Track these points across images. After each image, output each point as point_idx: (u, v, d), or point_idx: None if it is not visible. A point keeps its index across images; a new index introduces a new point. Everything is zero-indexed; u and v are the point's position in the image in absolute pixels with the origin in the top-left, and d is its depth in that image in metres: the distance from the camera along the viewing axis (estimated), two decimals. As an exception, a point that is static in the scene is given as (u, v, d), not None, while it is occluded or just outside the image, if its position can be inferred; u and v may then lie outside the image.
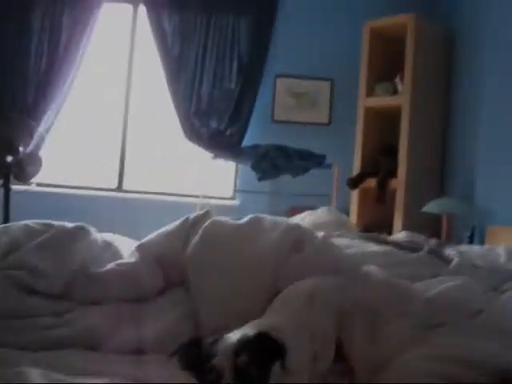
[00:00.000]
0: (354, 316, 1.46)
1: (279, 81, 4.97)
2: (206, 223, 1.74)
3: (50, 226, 1.84)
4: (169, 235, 1.80)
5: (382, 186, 4.24)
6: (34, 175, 4.41)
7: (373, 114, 4.53)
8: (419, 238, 2.27)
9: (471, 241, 3.73)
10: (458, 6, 4.55)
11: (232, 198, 5.02)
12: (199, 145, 4.79)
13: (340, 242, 2.07)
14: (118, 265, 1.71)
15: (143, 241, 1.82)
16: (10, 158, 4.19)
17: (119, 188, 5.08)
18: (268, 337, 1.13)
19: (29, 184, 4.60)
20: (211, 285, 1.61)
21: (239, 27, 4.91)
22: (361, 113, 4.55)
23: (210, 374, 1.04)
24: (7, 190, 4.22)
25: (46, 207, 4.50)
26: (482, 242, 3.63)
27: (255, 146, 4.45)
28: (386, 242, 2.08)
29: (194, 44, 4.86)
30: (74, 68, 4.83)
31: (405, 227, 4.16)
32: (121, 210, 4.77)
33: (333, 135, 4.87)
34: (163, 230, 1.84)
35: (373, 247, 2.01)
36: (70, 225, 1.87)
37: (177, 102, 4.81)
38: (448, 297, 1.62)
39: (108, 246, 1.91)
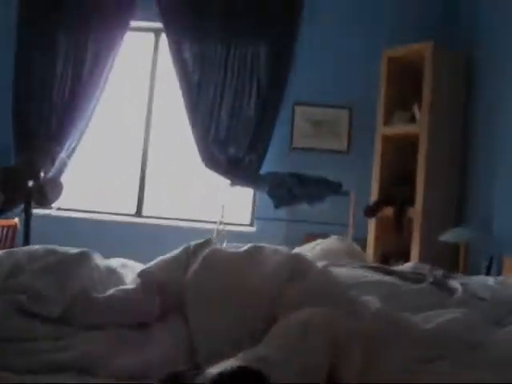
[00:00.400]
0: (349, 346, 1.45)
1: (298, 108, 4.99)
2: (207, 251, 1.76)
3: (53, 251, 1.88)
4: (170, 262, 1.83)
5: (399, 215, 4.22)
6: (54, 200, 4.48)
7: (390, 142, 4.53)
8: (425, 268, 2.25)
9: (488, 271, 3.67)
10: (476, 33, 4.55)
11: (250, 225, 5.03)
12: (217, 172, 4.83)
13: (342, 272, 2.06)
14: (119, 291, 1.73)
15: (145, 267, 1.84)
16: (30, 183, 4.27)
17: (138, 213, 5.14)
18: (251, 370, 1.13)
19: (49, 208, 4.68)
20: (208, 312, 1.62)
21: (258, 55, 4.97)
22: (378, 141, 4.55)
23: None
24: (28, 215, 4.29)
25: (66, 231, 4.59)
26: (499, 273, 3.57)
27: (272, 174, 4.47)
28: (391, 273, 2.07)
29: (213, 72, 4.93)
30: (97, 94, 4.94)
31: (422, 256, 4.12)
32: (139, 235, 4.83)
33: (351, 163, 4.87)
34: (165, 256, 1.87)
35: (375, 277, 2.00)
36: (73, 250, 1.91)
37: (195, 129, 4.87)
38: (447, 329, 1.60)
39: (111, 272, 1.94)
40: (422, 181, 4.24)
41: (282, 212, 4.71)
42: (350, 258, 2.58)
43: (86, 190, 5.22)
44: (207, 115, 4.88)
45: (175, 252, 1.86)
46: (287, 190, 4.19)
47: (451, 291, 1.94)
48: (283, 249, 1.85)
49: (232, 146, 4.88)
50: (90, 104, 4.94)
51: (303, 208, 4.58)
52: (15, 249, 1.89)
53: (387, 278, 1.99)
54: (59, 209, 4.80)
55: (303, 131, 4.99)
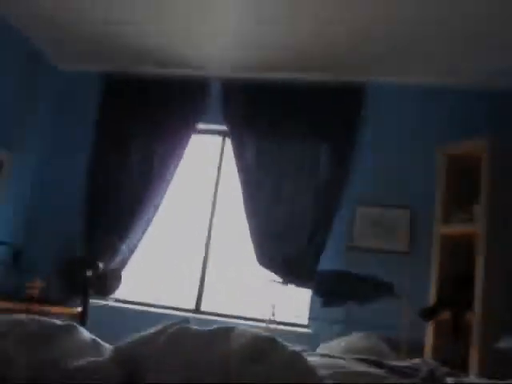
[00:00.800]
0: None
1: (357, 208, 4.96)
2: (173, 329, 1.76)
3: (37, 319, 1.95)
4: (143, 339, 1.84)
5: (457, 321, 3.97)
6: (113, 291, 4.64)
7: (449, 242, 4.36)
8: (430, 364, 2.10)
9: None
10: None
11: (306, 326, 4.90)
12: (271, 270, 4.82)
13: (326, 361, 1.98)
14: (89, 362, 1.76)
15: (121, 343, 1.86)
16: (89, 273, 4.47)
17: (197, 309, 5.17)
18: None
19: (107, 299, 4.83)
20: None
21: (318, 157, 5.06)
22: (437, 240, 4.39)
23: None
24: (85, 304, 4.46)
25: (122, 323, 4.68)
26: None
27: (319, 272, 4.40)
28: (381, 366, 1.95)
29: (272, 171, 5.06)
30: (162, 193, 5.20)
31: (481, 363, 3.82)
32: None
33: (410, 263, 4.70)
34: (141, 334, 1.89)
35: (360, 369, 1.89)
36: (57, 322, 1.97)
37: (253, 227, 4.94)
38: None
39: (96, 345, 1.97)
40: (481, 284, 4.00)
41: (339, 312, 4.57)
42: (371, 354, 2.47)
43: (146, 282, 5.35)
44: (264, 213, 4.95)
45: (151, 330, 1.87)
46: (332, 289, 4.08)
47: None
48: (257, 331, 1.81)
49: (288, 245, 4.88)
50: (156, 202, 5.18)
51: (361, 309, 4.42)
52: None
53: (373, 371, 1.88)
54: (117, 300, 4.94)
55: (362, 230, 4.92)
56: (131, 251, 5.08)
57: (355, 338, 2.81)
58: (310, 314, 4.85)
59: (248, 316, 5.02)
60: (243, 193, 5.06)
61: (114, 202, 5.17)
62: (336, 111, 5.08)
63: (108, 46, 5.19)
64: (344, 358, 2.02)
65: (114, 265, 4.87)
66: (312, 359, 2.02)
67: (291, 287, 4.76)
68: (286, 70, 5.19)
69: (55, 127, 5.65)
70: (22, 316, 1.94)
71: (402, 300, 4.17)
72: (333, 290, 4.10)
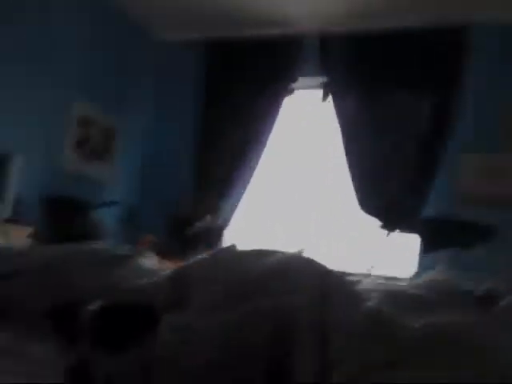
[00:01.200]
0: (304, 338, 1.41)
1: (464, 156, 4.73)
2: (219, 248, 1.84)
3: (100, 249, 2.11)
4: (195, 261, 1.92)
5: None
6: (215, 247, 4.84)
7: None
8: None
9: None
10: None
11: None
12: (374, 215, 4.77)
13: (380, 285, 1.96)
14: (143, 283, 1.87)
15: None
16: (193, 230, 4.69)
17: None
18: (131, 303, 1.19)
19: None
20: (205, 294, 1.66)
21: (420, 108, 4.89)
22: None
23: (75, 334, 1.11)
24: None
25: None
26: None
27: (421, 218, 4.28)
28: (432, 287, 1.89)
29: (374, 123, 4.97)
30: (262, 150, 5.30)
31: None
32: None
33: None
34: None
35: (410, 291, 1.85)
36: (120, 250, 2.12)
37: (355, 175, 4.92)
38: (436, 330, 1.44)
39: (156, 271, 2.09)
40: None
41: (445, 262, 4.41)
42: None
43: (248, 241, 5.47)
44: (366, 162, 4.90)
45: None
46: (438, 235, 3.95)
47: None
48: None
49: (391, 192, 4.79)
50: (256, 162, 5.30)
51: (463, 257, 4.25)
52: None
53: (419, 292, 1.83)
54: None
55: (470, 179, 4.69)
56: (233, 210, 5.24)
57: (438, 271, 2.71)
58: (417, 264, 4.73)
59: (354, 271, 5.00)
60: (345, 144, 5.03)
61: (216, 164, 5.35)
62: (438, 59, 4.87)
63: (203, 13, 5.31)
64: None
65: (217, 223, 5.06)
66: (367, 285, 2.01)
67: (395, 236, 4.67)
68: (381, 17, 5.02)
69: (159, 96, 5.92)
70: (87, 243, 2.11)
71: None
72: (437, 236, 3.97)
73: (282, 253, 1.77)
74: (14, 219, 4.04)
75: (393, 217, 4.68)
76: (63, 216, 4.26)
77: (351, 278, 1.84)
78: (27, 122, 4.52)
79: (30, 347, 1.50)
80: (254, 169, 5.31)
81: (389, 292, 1.83)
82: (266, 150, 5.33)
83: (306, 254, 1.88)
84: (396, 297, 1.80)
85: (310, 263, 1.75)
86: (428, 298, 1.78)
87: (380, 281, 2.11)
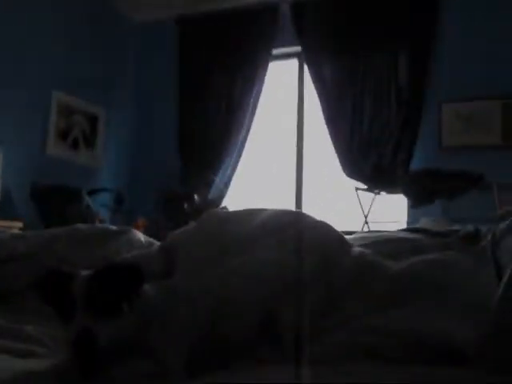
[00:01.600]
0: (299, 290, 1.44)
1: (444, 106, 4.76)
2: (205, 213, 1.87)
3: (94, 227, 2.13)
4: (183, 228, 1.96)
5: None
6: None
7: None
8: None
9: None
10: None
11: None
12: (361, 180, 4.80)
13: (367, 234, 2.00)
14: (132, 255, 1.91)
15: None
16: (185, 205, 4.71)
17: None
18: (123, 265, 1.22)
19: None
20: (191, 257, 1.70)
21: (396, 63, 4.90)
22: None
23: (67, 303, 1.13)
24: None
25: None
26: None
27: (406, 173, 4.31)
28: (426, 232, 1.93)
29: (352, 85, 4.97)
30: (247, 123, 5.31)
31: None
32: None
33: (503, 158, 4.47)
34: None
35: (396, 235, 1.89)
36: (112, 226, 2.15)
37: (338, 141, 4.93)
38: (418, 271, 1.49)
39: (150, 244, 2.13)
40: None
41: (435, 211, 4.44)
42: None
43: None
44: (348, 126, 4.91)
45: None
46: (422, 188, 3.99)
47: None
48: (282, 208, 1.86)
49: (375, 153, 4.81)
50: (241, 134, 5.30)
51: (456, 207, 4.29)
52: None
53: (408, 235, 1.87)
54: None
55: (452, 128, 4.73)
56: (226, 184, 5.26)
57: (423, 223, 2.76)
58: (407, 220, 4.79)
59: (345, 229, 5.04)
60: (324, 111, 5.03)
61: (203, 139, 5.36)
62: (412, 11, 4.86)
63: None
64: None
65: (210, 197, 5.08)
66: (356, 235, 2.05)
67: (383, 195, 4.71)
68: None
69: (142, 79, 5.92)
70: (80, 224, 2.14)
71: (493, 190, 3.99)
72: (422, 189, 3.99)
73: (271, 209, 1.79)
74: (2, 216, 4.05)
75: (378, 178, 4.70)
76: (53, 205, 4.27)
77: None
78: (8, 113, 4.51)
79: (27, 326, 1.53)
80: (242, 140, 5.31)
81: (376, 238, 1.87)
82: (247, 121, 5.32)
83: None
84: (384, 242, 1.85)
85: (300, 216, 1.79)
86: (415, 240, 1.83)
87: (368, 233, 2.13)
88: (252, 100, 5.32)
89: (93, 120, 5.42)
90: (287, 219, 1.75)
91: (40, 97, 4.87)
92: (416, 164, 4.71)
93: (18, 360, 1.23)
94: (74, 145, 5.23)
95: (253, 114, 5.34)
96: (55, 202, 4.31)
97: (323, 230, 1.73)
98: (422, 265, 1.50)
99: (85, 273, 1.17)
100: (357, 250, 1.65)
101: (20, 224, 4.03)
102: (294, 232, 1.69)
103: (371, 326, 1.34)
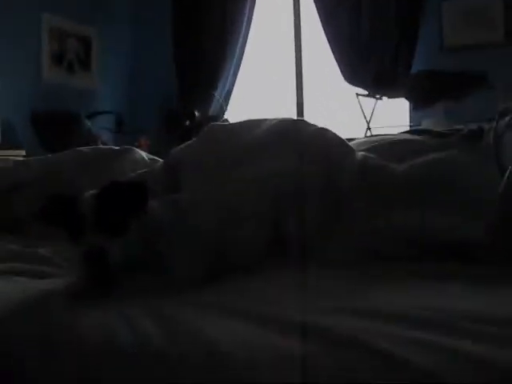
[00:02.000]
0: (304, 199, 1.45)
1: (444, 4, 4.61)
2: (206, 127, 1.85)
3: (97, 148, 2.13)
4: (186, 144, 1.94)
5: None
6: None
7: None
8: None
9: None
10: None
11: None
12: (361, 86, 4.72)
13: (371, 138, 1.99)
14: (137, 174, 1.91)
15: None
16: (187, 122, 4.68)
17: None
18: (127, 183, 1.22)
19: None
20: (195, 171, 1.70)
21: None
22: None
23: (75, 223, 1.14)
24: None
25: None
26: None
27: (406, 76, 4.23)
28: (420, 133, 1.91)
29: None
30: (243, 31, 5.18)
31: None
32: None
33: (506, 55, 4.36)
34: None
35: (398, 137, 1.88)
36: (115, 147, 2.14)
37: (336, 45, 4.81)
38: (421, 171, 1.49)
39: (154, 162, 2.12)
40: None
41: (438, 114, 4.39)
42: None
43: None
44: (346, 29, 4.77)
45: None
46: (424, 90, 3.92)
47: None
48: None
49: (375, 57, 4.71)
50: (238, 44, 5.18)
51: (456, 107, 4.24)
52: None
53: (411, 137, 1.86)
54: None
55: (453, 28, 4.60)
56: (225, 98, 5.20)
57: (425, 125, 2.74)
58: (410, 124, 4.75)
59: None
60: (321, 13, 4.89)
61: (200, 54, 5.25)
62: None
63: None
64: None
65: (210, 113, 5.03)
66: (358, 140, 2.04)
67: (384, 100, 4.65)
68: None
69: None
70: (82, 147, 2.13)
71: (497, 89, 3.92)
72: (424, 91, 3.93)
73: (273, 119, 1.78)
74: (5, 145, 4.04)
75: (379, 82, 4.61)
76: (54, 131, 4.25)
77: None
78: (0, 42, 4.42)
79: (40, 248, 1.56)
80: (236, 52, 5.20)
81: (378, 142, 1.86)
82: (244, 30, 5.19)
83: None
84: (386, 145, 1.84)
85: (302, 123, 1.77)
86: (417, 142, 1.82)
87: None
88: (247, 7, 5.16)
89: (86, 42, 5.29)
90: (289, 128, 1.74)
91: (29, 21, 4.73)
92: (417, 66, 4.62)
93: (31, 281, 1.26)
94: (70, 68, 5.14)
95: (249, 22, 5.20)
96: (56, 127, 4.29)
97: (325, 137, 1.72)
98: (426, 164, 1.50)
99: (89, 193, 1.17)
100: (360, 154, 1.65)
101: (23, 152, 4.03)
102: (297, 140, 1.69)
103: (378, 228, 1.35)
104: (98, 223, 1.10)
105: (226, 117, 5.06)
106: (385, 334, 0.78)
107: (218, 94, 5.11)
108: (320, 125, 1.78)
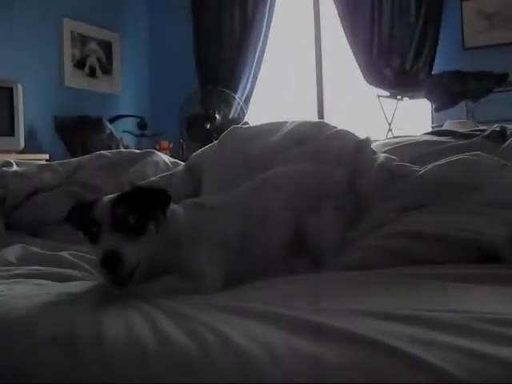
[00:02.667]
0: (319, 201, 1.44)
1: (465, 4, 4.57)
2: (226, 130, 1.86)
3: (119, 152, 2.15)
4: (207, 146, 1.96)
5: None
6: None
7: None
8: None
9: None
10: None
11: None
12: (382, 87, 4.70)
13: (393, 140, 1.99)
14: (159, 177, 1.93)
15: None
16: (208, 125, 4.70)
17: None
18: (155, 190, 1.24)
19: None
20: (215, 175, 1.71)
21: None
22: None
23: (92, 227, 1.16)
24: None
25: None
26: None
27: (428, 76, 4.20)
28: (443, 134, 1.90)
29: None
30: (263, 34, 5.18)
31: None
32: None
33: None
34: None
35: (421, 138, 1.87)
36: (136, 150, 2.16)
37: (357, 47, 4.79)
38: (439, 173, 1.48)
39: (175, 165, 2.14)
40: None
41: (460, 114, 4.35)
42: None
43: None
44: (367, 31, 4.76)
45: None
46: (446, 90, 3.90)
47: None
48: (304, 120, 1.84)
49: (397, 57, 4.68)
50: (258, 47, 5.19)
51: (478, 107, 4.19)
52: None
53: (435, 138, 1.85)
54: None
55: (475, 27, 4.56)
56: (246, 100, 5.21)
57: (448, 126, 2.72)
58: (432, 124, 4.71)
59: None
60: (341, 15, 4.88)
61: (220, 56, 5.28)
62: None
63: None
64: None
65: (231, 116, 5.04)
66: (379, 142, 2.03)
67: (405, 101, 4.62)
68: None
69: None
70: (105, 151, 2.16)
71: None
72: (445, 92, 3.90)
73: (293, 121, 1.78)
74: (28, 150, 4.10)
75: (400, 83, 4.59)
76: (77, 136, 4.30)
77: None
78: (22, 48, 4.48)
79: (62, 252, 1.58)
80: (256, 55, 5.21)
81: (400, 143, 1.86)
82: (263, 32, 5.20)
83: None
84: (407, 146, 1.84)
85: (323, 125, 1.78)
86: (439, 143, 1.81)
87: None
88: (267, 8, 5.17)
89: (107, 46, 5.35)
90: (310, 130, 1.74)
91: (50, 26, 4.79)
92: (438, 67, 4.60)
93: (56, 284, 1.28)
94: (91, 73, 5.19)
95: (268, 24, 5.20)
96: (78, 131, 4.34)
97: (347, 138, 1.73)
98: (448, 167, 1.49)
99: (107, 197, 1.19)
100: (382, 155, 1.64)
101: (46, 156, 4.08)
102: (318, 142, 1.69)
103: (401, 230, 1.34)
104: (113, 227, 1.12)
105: (246, 119, 5.07)
106: (403, 335, 0.78)
107: (238, 97, 5.12)
108: (340, 126, 1.78)
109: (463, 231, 1.29)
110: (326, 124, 1.78)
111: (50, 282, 1.31)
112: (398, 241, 1.31)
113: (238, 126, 1.92)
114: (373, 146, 1.80)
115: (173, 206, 1.25)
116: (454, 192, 1.42)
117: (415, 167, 1.54)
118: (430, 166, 1.51)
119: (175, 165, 2.12)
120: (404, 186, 1.48)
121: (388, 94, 4.64)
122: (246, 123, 2.01)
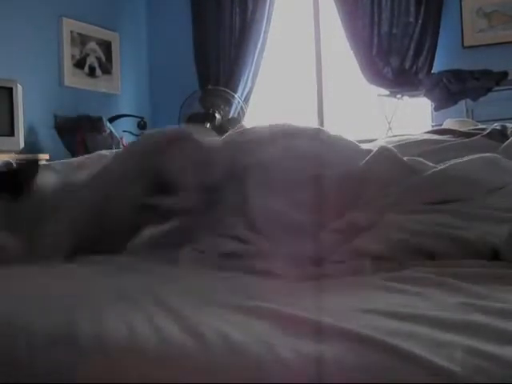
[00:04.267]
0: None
1: (465, 3, 4.58)
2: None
3: (117, 151, 2.15)
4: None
5: None
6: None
7: None
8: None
9: None
10: None
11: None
12: (382, 86, 4.70)
13: (392, 139, 1.98)
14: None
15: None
16: (208, 125, 4.70)
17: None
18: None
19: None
20: None
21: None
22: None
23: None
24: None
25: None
26: None
27: (427, 76, 4.21)
28: (443, 132, 1.90)
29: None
30: (262, 33, 5.18)
31: None
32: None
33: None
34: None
35: (420, 138, 1.87)
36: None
37: (356, 46, 4.80)
38: (458, 171, 1.46)
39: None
40: None
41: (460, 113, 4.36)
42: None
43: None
44: (366, 29, 4.76)
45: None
46: (446, 89, 3.90)
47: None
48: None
49: (396, 57, 4.69)
50: (258, 46, 5.19)
51: (481, 108, 4.20)
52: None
53: (433, 137, 1.85)
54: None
55: (474, 26, 4.57)
56: (245, 100, 5.21)
57: (448, 124, 2.71)
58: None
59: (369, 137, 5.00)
60: (341, 13, 4.89)
61: (220, 56, 5.28)
62: None
63: None
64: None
65: (231, 115, 5.05)
66: (379, 141, 2.03)
67: (405, 100, 4.63)
68: None
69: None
70: (105, 151, 2.15)
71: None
72: (445, 91, 3.91)
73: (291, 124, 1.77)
74: (28, 150, 4.10)
75: (400, 82, 4.59)
76: (77, 135, 4.30)
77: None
78: (20, 48, 4.47)
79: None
80: (256, 54, 5.21)
81: (399, 142, 1.85)
82: (263, 31, 5.20)
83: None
84: (407, 145, 1.83)
85: (321, 132, 1.76)
86: (439, 141, 1.80)
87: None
88: (267, 8, 5.17)
89: (107, 45, 5.35)
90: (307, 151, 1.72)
91: (49, 26, 4.79)
92: (438, 65, 4.61)
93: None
94: (91, 72, 5.19)
95: (268, 23, 5.21)
96: (78, 131, 4.34)
97: (346, 149, 1.71)
98: (450, 167, 1.47)
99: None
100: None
101: (46, 156, 4.08)
102: (318, 155, 1.68)
103: (421, 228, 1.30)
104: None
105: (246, 119, 5.08)
106: (406, 335, 0.77)
107: (238, 96, 5.12)
108: (340, 129, 1.77)
109: (471, 231, 1.26)
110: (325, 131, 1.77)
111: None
112: (416, 238, 1.28)
113: (236, 130, 1.90)
114: (373, 144, 1.79)
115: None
116: (476, 190, 1.39)
117: (430, 164, 1.52)
118: (449, 163, 1.47)
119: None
120: (424, 180, 1.44)
121: (388, 92, 4.65)
122: (242, 126, 1.96)
